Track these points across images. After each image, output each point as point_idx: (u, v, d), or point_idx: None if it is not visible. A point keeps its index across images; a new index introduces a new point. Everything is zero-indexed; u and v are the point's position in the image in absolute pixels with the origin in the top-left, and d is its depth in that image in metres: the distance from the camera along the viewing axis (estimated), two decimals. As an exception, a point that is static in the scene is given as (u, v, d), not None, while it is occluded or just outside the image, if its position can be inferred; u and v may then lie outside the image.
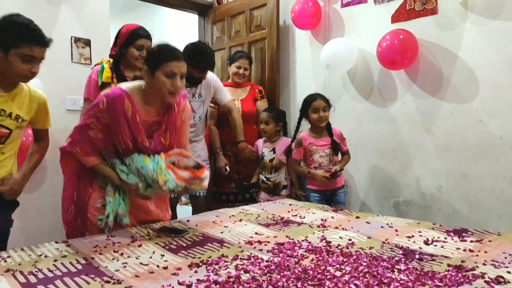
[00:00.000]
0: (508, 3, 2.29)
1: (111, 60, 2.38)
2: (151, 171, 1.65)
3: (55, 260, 1.37)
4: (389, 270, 1.29)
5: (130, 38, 2.32)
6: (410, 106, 2.73)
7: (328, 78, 3.19)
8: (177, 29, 5.34)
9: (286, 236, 1.70)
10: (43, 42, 1.63)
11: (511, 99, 2.31)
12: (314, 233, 1.77)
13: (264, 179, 2.98)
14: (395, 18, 2.74)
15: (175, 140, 1.86)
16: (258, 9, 3.50)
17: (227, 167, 2.98)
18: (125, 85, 1.77)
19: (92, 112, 1.70)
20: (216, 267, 1.32)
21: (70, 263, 1.35)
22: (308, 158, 2.71)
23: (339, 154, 2.78)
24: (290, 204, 2.45)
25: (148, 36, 2.37)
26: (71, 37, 2.86)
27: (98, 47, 2.98)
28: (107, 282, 1.19)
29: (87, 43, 2.94)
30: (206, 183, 1.74)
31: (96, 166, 1.75)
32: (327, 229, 1.84)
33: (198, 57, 2.62)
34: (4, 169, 1.74)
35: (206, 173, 1.74)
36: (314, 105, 2.64)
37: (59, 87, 2.80)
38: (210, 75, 2.81)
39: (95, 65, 2.43)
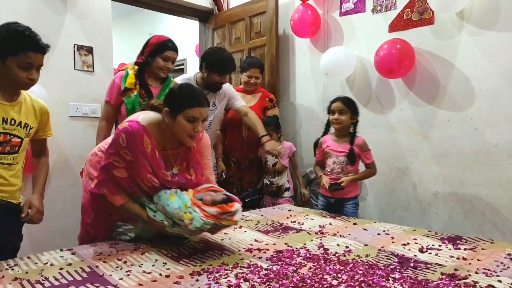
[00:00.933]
0: (503, 14, 2.34)
1: (136, 67, 2.43)
2: (176, 209, 1.55)
3: (61, 269, 1.41)
4: (384, 279, 1.34)
5: (159, 48, 2.38)
6: (407, 113, 2.78)
7: (327, 85, 3.24)
8: (180, 33, 5.38)
9: (285, 244, 1.75)
10: (40, 48, 1.59)
11: (506, 108, 2.35)
12: (312, 240, 1.82)
13: (268, 182, 3.08)
14: (393, 27, 2.79)
15: (200, 173, 1.81)
16: (257, 17, 3.56)
17: (223, 174, 3.03)
18: (142, 118, 1.69)
19: (112, 150, 1.65)
20: (217, 275, 1.36)
21: (75, 271, 1.39)
22: (326, 161, 2.60)
23: (361, 165, 2.57)
24: (289, 210, 2.50)
25: (175, 49, 2.43)
26: (74, 45, 2.91)
27: (101, 54, 3.03)
28: (112, 290, 1.24)
29: (90, 50, 2.98)
30: (237, 217, 1.61)
31: (124, 205, 1.68)
32: (325, 236, 1.88)
33: (217, 62, 2.63)
34: (19, 179, 1.72)
35: (236, 206, 1.61)
36: (332, 107, 2.54)
37: (62, 94, 2.85)
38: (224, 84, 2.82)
39: (120, 70, 2.48)
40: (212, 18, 3.96)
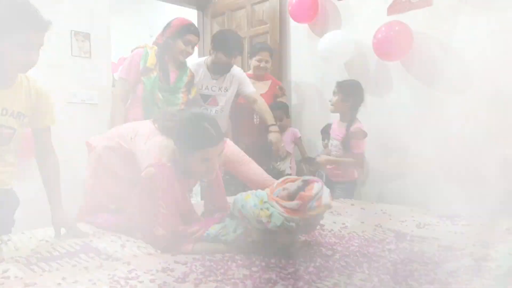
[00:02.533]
0: (501, -5, 2.33)
1: (155, 47, 2.39)
2: (251, 207, 1.29)
3: (54, 243, 1.40)
4: (379, 250, 1.33)
5: (181, 31, 2.34)
6: (405, 96, 2.76)
7: (325, 69, 3.22)
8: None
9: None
10: (39, 25, 1.35)
11: (504, 90, 2.33)
12: (308, 218, 1.81)
13: (271, 167, 3.07)
14: (391, 10, 2.77)
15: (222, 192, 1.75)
16: (259, 4, 3.56)
17: None
18: (166, 156, 1.49)
19: (162, 199, 1.38)
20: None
21: (69, 245, 1.38)
22: None
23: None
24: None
25: (197, 33, 2.40)
26: (71, 31, 2.89)
27: (98, 41, 3.01)
28: (106, 259, 1.23)
29: (87, 36, 2.96)
30: (325, 199, 1.29)
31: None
32: (321, 215, 1.87)
33: (223, 41, 2.60)
34: (10, 166, 1.57)
35: (316, 187, 1.30)
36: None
37: (59, 80, 2.82)
38: (234, 68, 2.79)
39: (136, 48, 2.43)
40: (211, 6, 3.95)
